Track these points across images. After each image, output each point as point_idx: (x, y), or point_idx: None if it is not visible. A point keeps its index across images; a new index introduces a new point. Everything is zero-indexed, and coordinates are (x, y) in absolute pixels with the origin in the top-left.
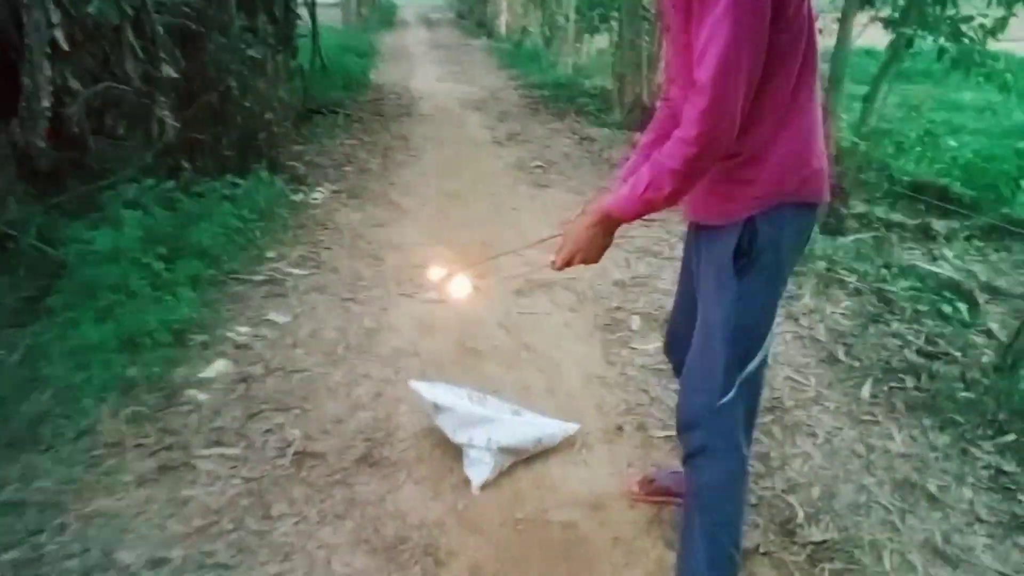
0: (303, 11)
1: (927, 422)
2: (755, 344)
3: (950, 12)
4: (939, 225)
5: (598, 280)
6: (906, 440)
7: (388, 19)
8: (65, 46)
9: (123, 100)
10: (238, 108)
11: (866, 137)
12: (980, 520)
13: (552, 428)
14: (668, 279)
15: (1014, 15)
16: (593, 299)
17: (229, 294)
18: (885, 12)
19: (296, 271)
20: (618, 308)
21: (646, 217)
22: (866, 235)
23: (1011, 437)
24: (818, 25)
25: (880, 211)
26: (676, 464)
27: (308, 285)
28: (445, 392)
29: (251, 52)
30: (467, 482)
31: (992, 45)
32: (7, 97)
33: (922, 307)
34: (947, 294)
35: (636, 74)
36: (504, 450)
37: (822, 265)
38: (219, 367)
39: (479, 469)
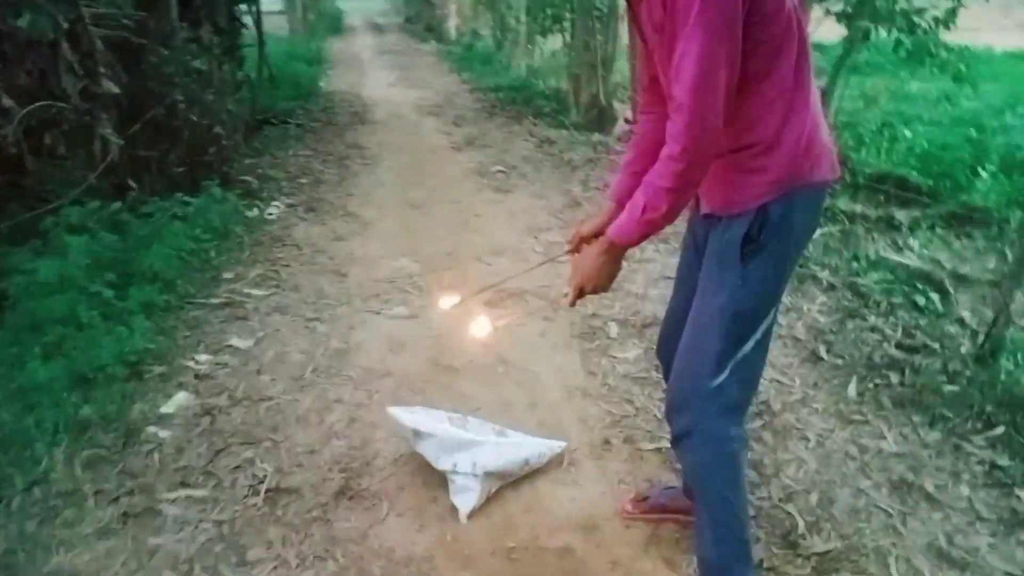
0: (248, 19)
1: (916, 419)
2: (751, 329)
3: (902, 5)
4: (901, 215)
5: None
6: (897, 439)
7: (335, 25)
8: None
9: (62, 118)
10: (185, 122)
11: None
12: (981, 519)
13: (539, 448)
14: (641, 283)
15: (963, 6)
16: (567, 307)
17: (186, 320)
18: (837, 7)
19: (256, 292)
20: (594, 315)
21: None
22: (833, 228)
23: (1000, 430)
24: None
25: (842, 203)
26: (669, 478)
27: (269, 306)
28: (424, 417)
29: (196, 64)
30: (454, 511)
31: (949, 37)
32: None
33: (896, 299)
34: (919, 285)
35: (591, 74)
36: (491, 475)
37: None
38: (180, 400)
39: (466, 497)
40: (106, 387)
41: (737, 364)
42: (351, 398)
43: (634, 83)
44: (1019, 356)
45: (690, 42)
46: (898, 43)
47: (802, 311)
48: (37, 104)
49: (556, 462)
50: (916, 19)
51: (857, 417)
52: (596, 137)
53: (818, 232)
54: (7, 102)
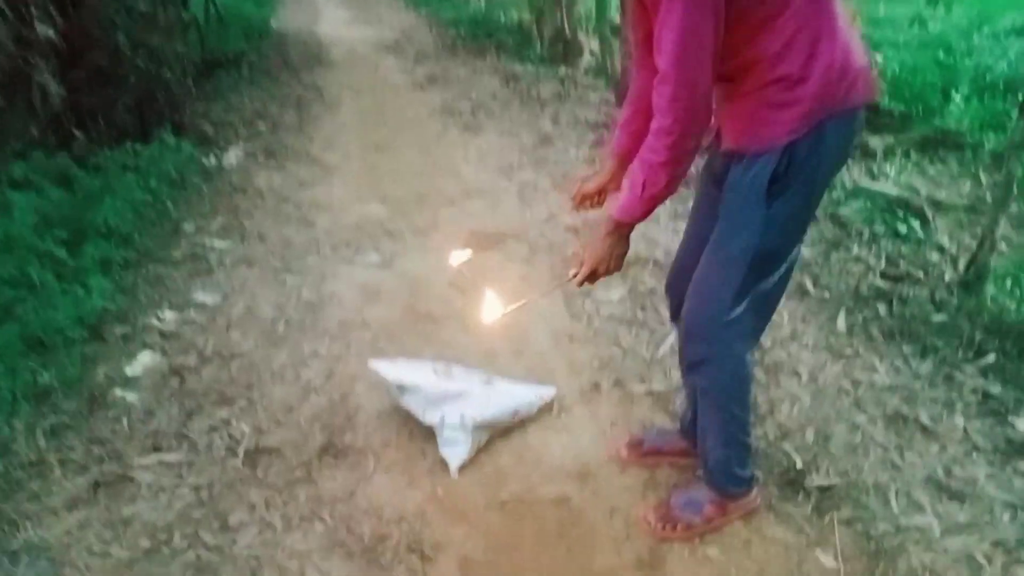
0: None
1: (907, 350)
2: (774, 267)
3: None
4: (875, 142)
5: (549, 228)
6: (889, 371)
7: None
8: None
9: None
10: (130, 67)
11: None
12: (977, 449)
13: (528, 395)
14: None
15: None
16: (547, 249)
17: (147, 276)
18: None
19: (219, 244)
20: (575, 256)
21: (591, 158)
22: None
23: (991, 358)
24: None
25: None
26: (661, 420)
27: (235, 258)
28: (408, 369)
29: (138, 5)
30: (443, 465)
31: None
32: None
33: (878, 228)
34: (899, 212)
35: (554, 6)
36: (480, 426)
37: None
38: (146, 361)
39: (455, 450)
40: (65, 351)
41: (756, 297)
42: (327, 351)
43: (623, 37)
44: (1004, 282)
45: (670, 12)
46: None
47: None
48: None
49: (546, 409)
50: None
51: (848, 351)
52: (563, 71)
53: None
54: None
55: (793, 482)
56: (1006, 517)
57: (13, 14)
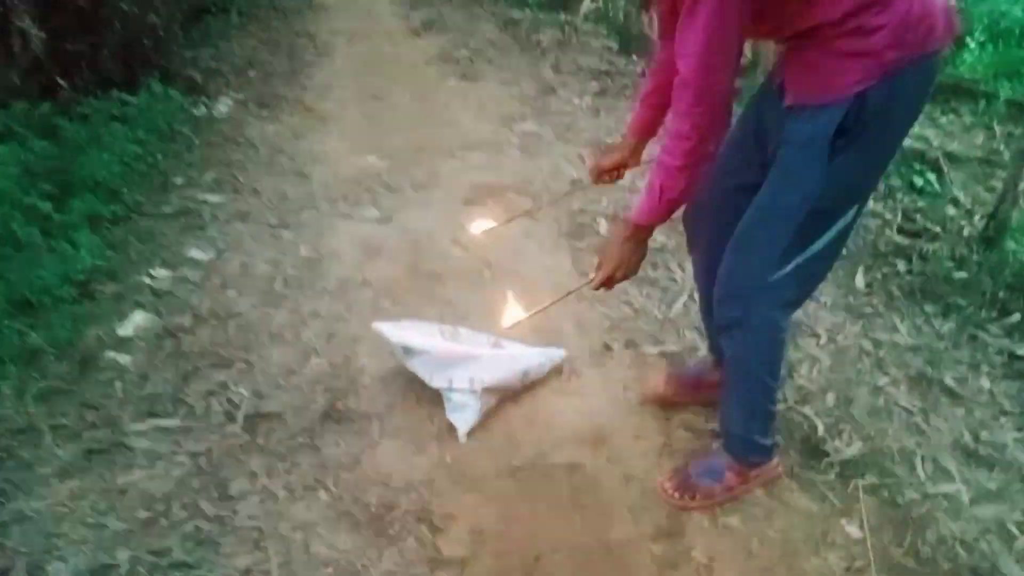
0: None
1: (929, 309)
2: (825, 227)
3: None
4: None
5: (553, 181)
6: (911, 331)
7: None
8: None
9: None
10: (114, 11)
11: None
12: (1004, 412)
13: (537, 358)
14: (628, 175)
15: None
16: (552, 204)
17: (138, 232)
18: None
19: (212, 198)
20: (581, 211)
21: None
22: None
23: (1016, 317)
24: None
25: None
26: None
27: (228, 213)
28: (413, 330)
29: None
30: (452, 430)
31: None
32: None
33: (893, 181)
34: (914, 165)
35: None
36: (489, 390)
37: None
38: (139, 321)
39: (464, 414)
40: (54, 311)
41: (802, 262)
42: (327, 311)
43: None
44: None
45: (694, 15)
46: None
47: None
48: None
49: (556, 372)
50: None
51: (868, 310)
52: (563, 16)
53: None
54: None
55: (815, 448)
56: None
57: None
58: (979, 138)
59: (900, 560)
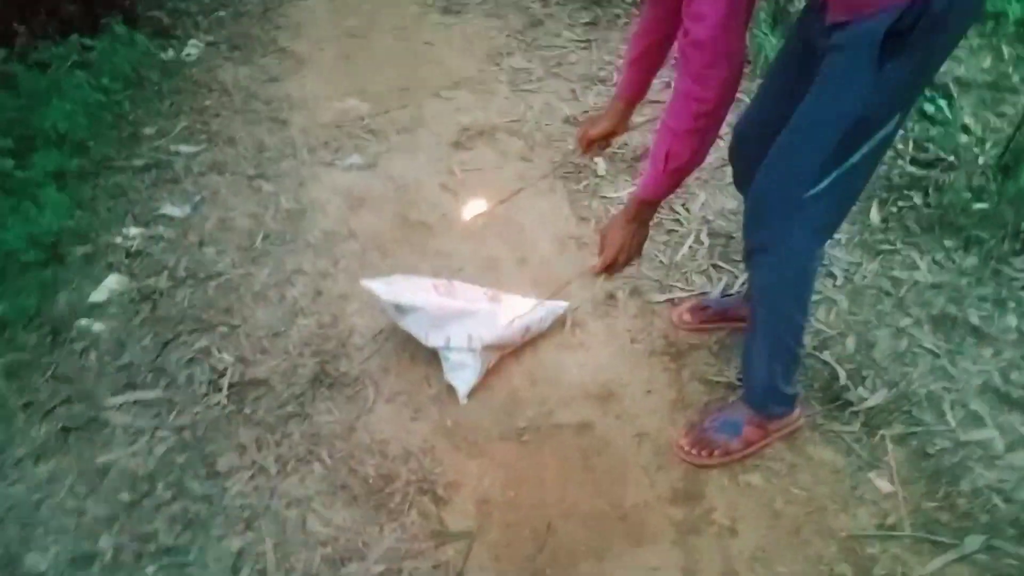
0: None
1: (948, 243)
2: (866, 137)
3: None
4: None
5: (545, 119)
6: (932, 267)
7: None
8: None
9: None
10: None
11: None
12: None
13: (539, 311)
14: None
15: None
16: (545, 143)
17: (107, 188)
18: None
19: (184, 148)
20: (576, 151)
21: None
22: None
23: None
24: None
25: None
26: (685, 336)
27: (203, 164)
28: (406, 287)
29: None
30: (451, 391)
31: None
32: None
33: None
34: (926, 91)
35: None
36: (489, 347)
37: None
38: (112, 284)
39: (463, 374)
40: (19, 277)
41: (839, 176)
42: (313, 267)
43: None
44: None
45: None
46: None
47: None
48: None
49: (559, 325)
50: None
51: (885, 247)
52: None
53: None
54: None
55: (837, 397)
56: None
57: None
58: (987, 61)
59: (934, 515)
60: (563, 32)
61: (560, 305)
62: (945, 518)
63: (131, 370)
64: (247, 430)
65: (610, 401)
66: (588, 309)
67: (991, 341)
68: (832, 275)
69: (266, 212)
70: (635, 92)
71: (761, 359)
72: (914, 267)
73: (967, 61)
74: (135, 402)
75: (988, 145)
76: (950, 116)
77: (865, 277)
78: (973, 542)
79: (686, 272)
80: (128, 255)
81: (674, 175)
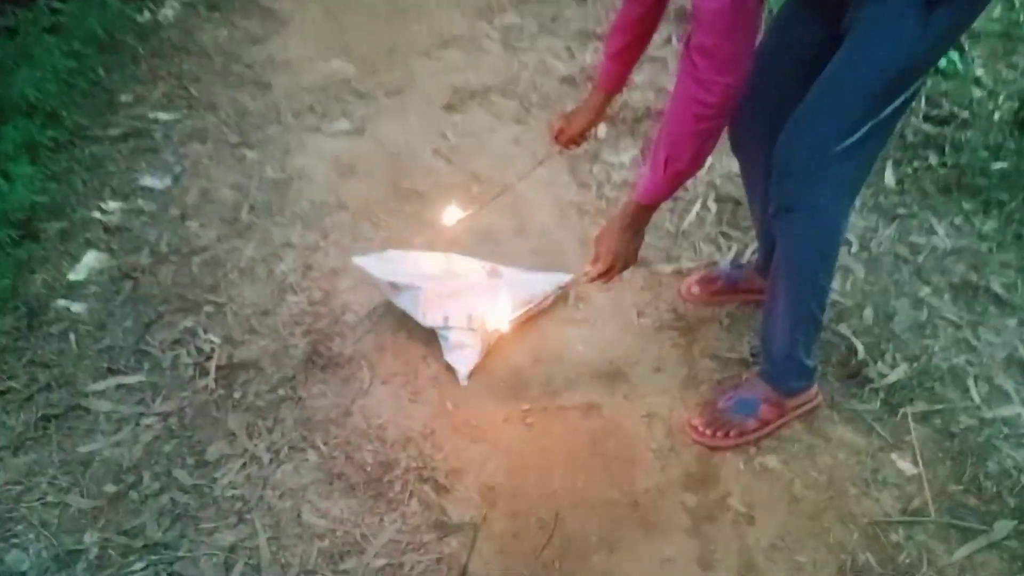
0: None
1: (967, 206)
2: (903, 89)
3: None
4: None
5: (541, 78)
6: (950, 232)
7: None
8: None
9: None
10: None
11: None
12: None
13: (541, 284)
14: None
15: None
16: (541, 105)
17: (83, 160)
18: None
19: (163, 116)
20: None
21: None
22: None
23: None
24: None
25: None
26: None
27: (183, 133)
28: (399, 263)
29: None
30: (451, 372)
31: None
32: None
33: None
34: None
35: None
36: (489, 325)
37: None
38: (90, 262)
39: (463, 354)
40: None
41: (871, 130)
42: (301, 240)
43: None
44: None
45: None
46: None
47: None
48: None
49: (562, 299)
50: None
51: (901, 210)
52: None
53: None
54: None
55: (856, 373)
56: None
57: None
58: (996, 10)
59: (961, 498)
60: None
61: (563, 278)
62: (972, 502)
63: (113, 353)
64: (237, 416)
65: (617, 380)
66: (589, 269)
67: (1015, 310)
68: (847, 242)
69: (251, 182)
70: (615, 84)
71: (783, 327)
72: (932, 232)
73: None
74: (118, 387)
75: (1001, 99)
76: (961, 69)
77: (881, 244)
78: (1003, 528)
79: (693, 240)
80: (107, 231)
81: (674, 179)
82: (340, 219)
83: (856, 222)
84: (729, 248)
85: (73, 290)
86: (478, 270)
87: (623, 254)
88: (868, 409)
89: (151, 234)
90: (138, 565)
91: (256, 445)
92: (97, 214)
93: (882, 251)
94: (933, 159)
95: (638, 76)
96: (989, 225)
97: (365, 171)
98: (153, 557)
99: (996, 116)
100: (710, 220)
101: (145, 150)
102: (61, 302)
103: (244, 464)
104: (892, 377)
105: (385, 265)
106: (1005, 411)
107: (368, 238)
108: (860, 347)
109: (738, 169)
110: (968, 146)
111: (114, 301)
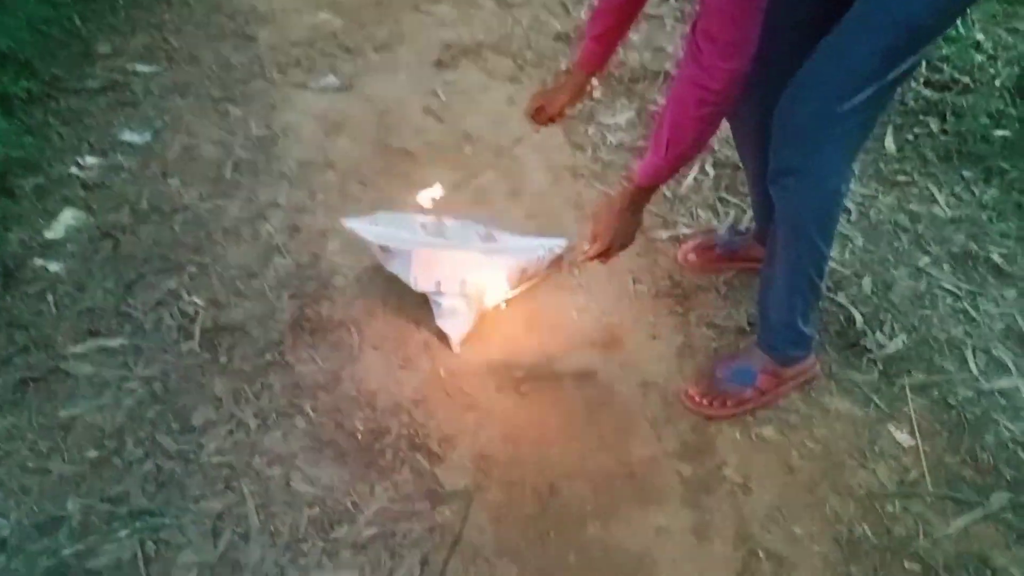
0: None
1: (967, 174)
2: (913, 52)
3: None
4: None
5: (535, 35)
6: (950, 200)
7: None
8: None
9: None
10: None
11: None
12: None
13: (536, 250)
14: None
15: None
16: (535, 62)
17: (59, 113)
18: None
19: (143, 68)
20: (569, 73)
21: None
22: None
23: None
24: None
25: None
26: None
27: (164, 86)
28: (390, 225)
29: None
30: (443, 338)
31: None
32: None
33: None
34: None
35: None
36: (483, 291)
37: None
38: (69, 220)
39: (456, 321)
40: None
41: (876, 91)
42: (288, 200)
43: None
44: None
45: None
46: None
47: None
48: None
49: (556, 265)
50: None
51: (901, 178)
52: None
53: None
54: None
55: (854, 343)
56: None
57: None
58: None
59: (957, 470)
60: None
61: (559, 243)
62: (968, 474)
63: (93, 315)
64: (223, 381)
65: (613, 348)
66: (587, 247)
67: (1014, 281)
68: (845, 209)
69: (234, 139)
70: (597, 64)
71: (781, 293)
72: (932, 200)
73: None
74: (99, 350)
75: (1001, 64)
76: (962, 32)
77: (880, 211)
78: (998, 500)
79: (691, 206)
80: (85, 187)
81: (675, 161)
82: (328, 179)
83: (854, 189)
84: (727, 213)
85: (51, 248)
86: (471, 234)
87: (621, 234)
88: (866, 380)
89: (131, 191)
90: (123, 532)
91: (243, 411)
92: (75, 170)
93: (881, 219)
94: (934, 125)
95: (635, 35)
96: (990, 194)
97: (353, 129)
98: (138, 524)
99: (997, 82)
100: (708, 185)
101: (124, 103)
102: (38, 261)
103: (231, 430)
104: (890, 348)
105: (376, 228)
106: (1003, 383)
107: (357, 198)
108: (858, 317)
109: None
110: (969, 112)
111: (93, 260)
